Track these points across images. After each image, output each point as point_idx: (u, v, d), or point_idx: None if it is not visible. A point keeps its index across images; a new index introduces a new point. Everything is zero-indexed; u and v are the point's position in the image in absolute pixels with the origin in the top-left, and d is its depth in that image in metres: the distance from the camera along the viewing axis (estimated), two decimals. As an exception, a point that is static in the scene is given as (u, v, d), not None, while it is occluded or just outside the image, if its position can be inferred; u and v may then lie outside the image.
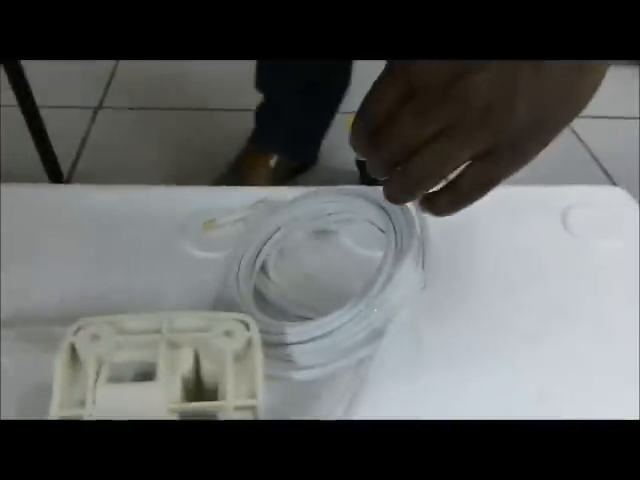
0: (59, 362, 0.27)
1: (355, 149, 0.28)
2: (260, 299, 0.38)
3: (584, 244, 0.45)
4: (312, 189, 0.42)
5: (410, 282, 0.34)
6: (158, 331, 0.29)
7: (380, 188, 0.29)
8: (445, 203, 0.28)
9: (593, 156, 1.30)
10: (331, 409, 0.32)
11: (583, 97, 0.26)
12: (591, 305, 0.40)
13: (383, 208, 0.38)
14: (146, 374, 0.27)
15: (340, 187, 0.41)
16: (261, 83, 0.99)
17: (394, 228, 0.37)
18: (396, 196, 0.28)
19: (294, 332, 0.33)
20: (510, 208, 0.47)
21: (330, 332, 0.33)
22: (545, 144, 0.27)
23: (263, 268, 0.39)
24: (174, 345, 0.29)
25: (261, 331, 0.30)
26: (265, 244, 0.39)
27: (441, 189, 0.28)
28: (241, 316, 0.30)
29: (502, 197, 0.48)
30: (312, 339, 0.33)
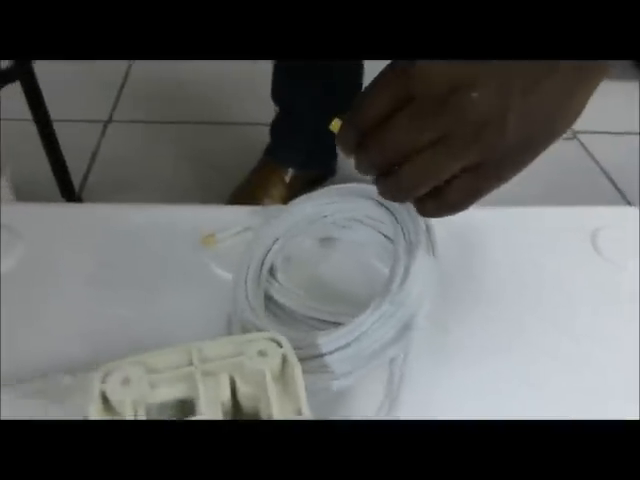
0: (93, 412, 0.26)
1: (342, 149, 0.29)
2: (272, 307, 0.38)
3: (613, 265, 0.44)
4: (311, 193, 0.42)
5: (427, 272, 0.35)
6: (190, 363, 0.28)
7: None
8: (431, 208, 0.29)
9: (602, 169, 1.29)
10: (374, 411, 0.32)
11: (570, 117, 0.27)
12: (620, 326, 0.40)
13: (383, 205, 0.39)
14: (186, 409, 0.27)
15: (338, 187, 0.41)
16: (277, 93, 1.00)
17: (398, 222, 0.37)
18: (387, 197, 0.29)
19: (325, 342, 0.33)
20: (539, 228, 0.47)
21: (360, 336, 0.33)
22: (529, 162, 0.27)
23: (272, 275, 0.39)
24: (209, 375, 0.28)
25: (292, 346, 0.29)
26: (267, 254, 0.39)
27: (428, 194, 0.28)
28: (271, 334, 0.30)
29: (531, 217, 0.49)
30: (344, 346, 0.33)
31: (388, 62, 0.27)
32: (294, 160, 1.00)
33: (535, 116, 0.26)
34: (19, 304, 0.39)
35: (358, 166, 0.29)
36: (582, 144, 1.37)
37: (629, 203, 1.21)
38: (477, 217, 0.49)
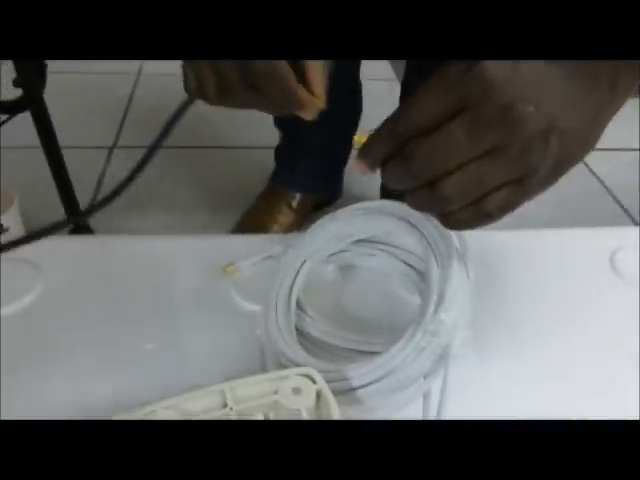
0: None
1: (370, 159, 0.28)
2: (302, 339, 0.37)
3: (633, 287, 0.44)
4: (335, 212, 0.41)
5: (461, 297, 0.34)
6: (224, 405, 0.27)
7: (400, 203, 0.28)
8: (465, 221, 0.28)
9: (605, 186, 1.30)
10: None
11: (598, 136, 0.28)
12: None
13: (412, 223, 0.37)
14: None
15: (363, 204, 0.40)
16: (279, 119, 1.00)
17: (428, 242, 0.36)
18: (421, 209, 0.29)
19: (358, 375, 0.32)
20: (558, 250, 0.48)
21: (394, 368, 0.32)
22: (561, 176, 0.28)
23: (299, 307, 0.39)
24: (244, 416, 0.27)
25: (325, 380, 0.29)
26: (295, 280, 0.39)
27: (464, 206, 0.28)
28: (304, 370, 0.30)
29: (550, 239, 0.49)
30: (378, 379, 0.32)
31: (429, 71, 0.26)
32: (300, 185, 1.00)
33: (572, 135, 0.26)
34: (38, 341, 0.38)
35: (391, 178, 0.27)
36: (584, 162, 1.38)
37: (630, 216, 1.21)
38: (497, 239, 0.49)
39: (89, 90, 1.49)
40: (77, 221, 0.35)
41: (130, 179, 0.33)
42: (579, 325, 0.41)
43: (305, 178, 0.99)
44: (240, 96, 0.30)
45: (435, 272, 0.34)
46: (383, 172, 0.28)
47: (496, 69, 0.25)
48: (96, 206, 0.34)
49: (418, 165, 0.26)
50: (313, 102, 0.30)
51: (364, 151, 0.28)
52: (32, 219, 0.98)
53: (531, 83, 0.25)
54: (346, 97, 0.95)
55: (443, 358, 0.33)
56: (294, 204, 1.00)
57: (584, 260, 0.47)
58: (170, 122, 0.32)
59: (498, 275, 0.44)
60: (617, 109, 0.28)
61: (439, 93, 0.25)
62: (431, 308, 0.32)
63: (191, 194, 1.14)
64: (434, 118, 0.25)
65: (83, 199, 1.11)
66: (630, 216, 1.22)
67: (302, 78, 0.30)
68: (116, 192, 0.33)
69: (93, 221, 1.07)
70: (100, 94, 1.47)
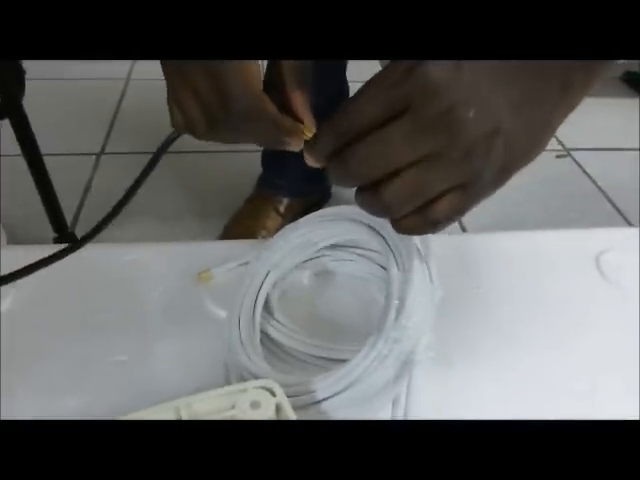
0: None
1: (315, 156, 0.27)
2: (269, 344, 0.36)
3: (618, 289, 0.44)
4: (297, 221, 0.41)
5: (424, 302, 0.34)
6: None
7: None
8: (411, 226, 0.27)
9: (597, 186, 1.30)
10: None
11: (547, 139, 0.27)
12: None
13: (373, 228, 0.37)
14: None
15: (323, 211, 0.40)
16: None
17: (389, 247, 0.36)
18: (369, 212, 0.28)
19: (321, 387, 0.31)
20: (543, 252, 0.47)
21: (358, 379, 0.31)
22: (508, 179, 0.27)
23: (268, 312, 0.38)
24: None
25: (286, 393, 0.28)
26: (260, 290, 0.38)
27: (411, 213, 0.27)
28: (263, 382, 0.29)
29: (534, 241, 0.48)
30: (341, 391, 0.31)
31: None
32: (287, 188, 1.00)
33: (518, 138, 0.26)
34: (12, 352, 0.37)
35: (334, 177, 0.27)
36: (575, 161, 1.38)
37: (622, 216, 1.21)
38: (479, 242, 0.48)
39: (77, 96, 1.48)
40: (75, 247, 0.34)
41: (114, 213, 0.33)
42: (564, 328, 0.40)
43: (292, 182, 0.98)
44: (227, 133, 0.30)
45: (395, 276, 0.33)
46: (326, 170, 0.27)
47: (438, 71, 0.24)
48: (90, 234, 0.33)
49: (356, 167, 0.25)
50: (300, 132, 0.30)
51: (309, 146, 0.27)
52: (13, 228, 0.97)
53: (474, 85, 0.24)
54: (333, 100, 0.95)
55: (407, 364, 0.32)
56: (282, 208, 0.99)
57: (569, 262, 0.46)
58: (156, 155, 0.32)
59: (480, 278, 0.44)
60: (571, 109, 0.27)
61: (379, 93, 0.24)
62: (392, 314, 0.32)
63: (179, 200, 1.13)
64: (374, 119, 0.25)
65: (71, 206, 1.11)
66: (623, 217, 1.21)
67: (286, 108, 0.30)
68: (104, 222, 0.33)
69: (79, 231, 1.06)
70: (88, 100, 1.46)
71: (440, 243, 0.38)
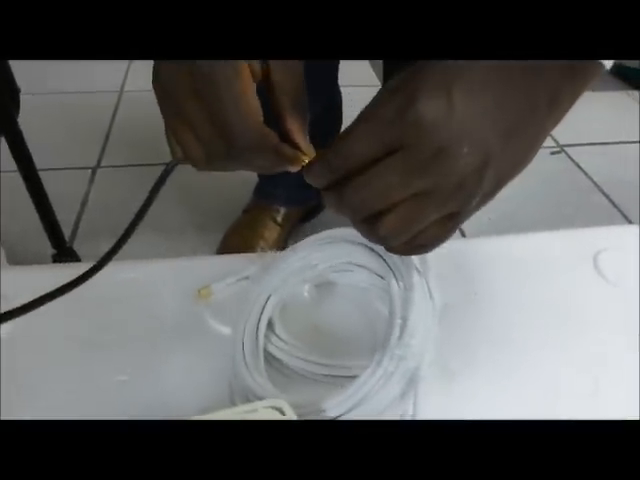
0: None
1: (313, 183, 0.28)
2: (274, 362, 0.36)
3: (617, 288, 0.44)
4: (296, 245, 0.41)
5: (425, 318, 0.34)
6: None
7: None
8: (404, 250, 0.29)
9: (593, 181, 1.30)
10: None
11: (537, 149, 0.28)
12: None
13: (372, 249, 0.38)
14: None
15: (321, 235, 0.40)
16: None
17: (389, 266, 0.36)
18: (363, 236, 0.29)
19: (330, 406, 0.32)
20: (540, 255, 0.47)
21: (365, 397, 0.32)
22: (493, 197, 0.28)
23: (271, 330, 0.38)
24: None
25: (295, 413, 0.28)
26: (262, 312, 0.38)
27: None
28: (272, 402, 0.29)
29: (531, 244, 0.48)
30: (349, 409, 0.32)
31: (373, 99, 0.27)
32: (283, 198, 1.00)
33: (507, 163, 0.27)
34: (14, 372, 0.37)
35: (329, 205, 0.28)
36: (570, 157, 1.38)
37: (620, 212, 1.21)
38: (476, 247, 0.48)
39: (71, 110, 1.48)
40: (80, 281, 0.34)
41: (120, 243, 0.33)
42: (562, 329, 0.41)
43: (288, 191, 0.98)
44: (227, 163, 0.30)
45: (397, 295, 0.34)
46: (323, 198, 0.28)
47: (430, 110, 0.24)
48: (97, 266, 0.34)
49: (350, 204, 0.26)
50: (299, 158, 0.30)
51: (307, 173, 0.28)
52: (12, 245, 0.97)
53: (465, 121, 0.25)
54: (326, 108, 0.95)
55: (413, 381, 0.32)
56: (279, 218, 0.99)
57: (566, 263, 0.46)
58: (156, 185, 0.33)
59: (477, 283, 0.44)
60: (557, 123, 0.28)
61: (372, 133, 0.25)
62: (396, 332, 0.32)
63: (176, 212, 1.13)
64: (367, 157, 0.25)
65: (68, 221, 1.11)
66: (619, 210, 1.21)
67: (285, 137, 0.30)
68: (106, 258, 0.33)
69: (78, 245, 1.06)
70: (82, 113, 1.46)
71: (437, 249, 0.39)
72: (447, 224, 0.27)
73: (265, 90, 0.30)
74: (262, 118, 0.29)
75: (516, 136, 0.26)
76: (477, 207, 0.28)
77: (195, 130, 0.29)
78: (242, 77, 0.28)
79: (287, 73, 0.30)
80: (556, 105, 0.27)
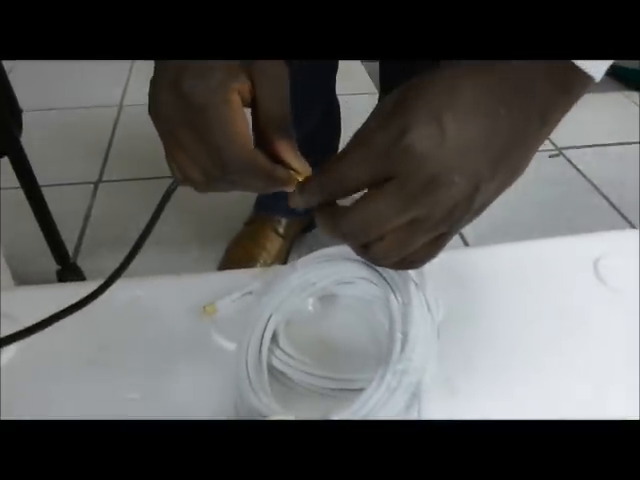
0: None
1: (306, 203, 0.28)
2: (279, 376, 0.37)
3: (618, 294, 0.44)
4: (294, 262, 0.41)
5: (425, 332, 0.34)
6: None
7: None
8: (392, 266, 0.30)
9: (592, 183, 1.30)
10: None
11: (526, 166, 0.28)
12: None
13: (369, 265, 0.38)
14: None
15: (319, 253, 0.41)
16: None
17: (387, 282, 0.37)
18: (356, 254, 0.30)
19: None
20: (540, 262, 0.47)
21: (369, 413, 0.32)
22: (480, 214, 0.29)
23: (275, 344, 0.38)
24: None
25: None
26: (265, 332, 0.38)
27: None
28: (281, 418, 0.29)
29: (531, 251, 0.48)
30: None
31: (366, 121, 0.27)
32: (284, 209, 1.00)
33: (498, 186, 0.27)
34: (22, 391, 0.38)
35: (321, 229, 0.28)
36: (568, 159, 1.39)
37: (620, 214, 1.22)
38: (476, 256, 0.49)
39: (71, 125, 1.49)
40: (85, 302, 0.35)
41: (122, 268, 0.34)
42: (563, 336, 0.41)
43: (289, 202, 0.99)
44: (225, 186, 0.31)
45: (396, 310, 0.35)
46: (315, 219, 0.29)
47: (421, 140, 0.25)
48: (104, 286, 0.35)
49: (342, 234, 0.27)
50: (292, 179, 0.30)
51: (300, 193, 0.29)
52: (17, 262, 0.97)
53: (457, 149, 0.25)
54: (324, 117, 0.96)
55: (416, 395, 0.33)
56: (280, 229, 0.99)
57: (567, 269, 0.46)
58: (160, 205, 0.33)
59: (478, 291, 0.44)
60: (547, 137, 0.28)
61: (364, 162, 0.26)
62: (397, 347, 0.33)
63: (179, 226, 1.14)
64: (360, 185, 0.26)
65: (71, 236, 1.11)
66: (620, 213, 1.22)
67: (277, 159, 0.30)
68: (112, 278, 0.34)
69: (81, 261, 1.07)
70: (82, 129, 1.47)
71: (437, 259, 0.39)
72: (436, 243, 0.28)
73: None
74: (252, 143, 0.29)
75: (507, 157, 0.26)
76: (466, 224, 0.28)
77: (190, 156, 0.29)
78: (230, 104, 0.28)
79: (272, 97, 0.30)
80: (548, 120, 0.27)
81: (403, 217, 0.26)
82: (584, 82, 0.27)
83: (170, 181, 0.34)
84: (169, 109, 0.29)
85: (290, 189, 0.30)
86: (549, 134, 0.28)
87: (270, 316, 0.39)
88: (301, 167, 0.31)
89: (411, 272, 0.36)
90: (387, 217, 0.26)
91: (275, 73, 0.30)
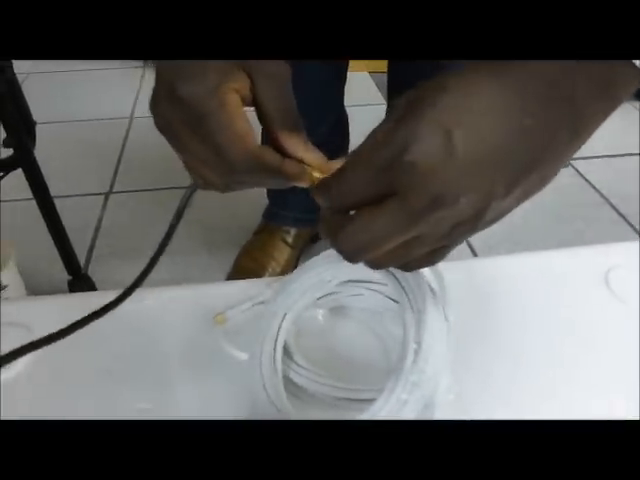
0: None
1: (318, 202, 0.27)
2: (292, 388, 0.37)
3: (630, 306, 0.44)
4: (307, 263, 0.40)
5: (440, 342, 0.33)
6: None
7: None
8: (389, 267, 0.29)
9: (603, 196, 1.30)
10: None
11: (547, 183, 0.26)
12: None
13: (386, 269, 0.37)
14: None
15: (332, 251, 0.40)
16: None
17: (402, 287, 0.35)
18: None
19: None
20: (551, 274, 0.47)
21: None
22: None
23: (288, 356, 0.38)
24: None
25: None
26: (279, 333, 0.38)
27: None
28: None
29: (542, 262, 0.48)
30: None
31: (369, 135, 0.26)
32: (293, 218, 1.00)
33: (512, 204, 0.25)
34: (34, 403, 0.38)
35: (324, 238, 0.27)
36: (577, 170, 1.39)
37: (630, 225, 1.21)
38: (487, 266, 0.49)
39: (82, 137, 1.51)
40: (103, 312, 0.35)
41: (144, 275, 0.34)
42: (575, 348, 0.41)
43: (298, 212, 0.99)
44: (240, 185, 0.31)
45: (410, 319, 0.33)
46: (319, 230, 0.28)
47: (427, 156, 0.22)
48: (123, 296, 0.35)
49: (342, 249, 0.26)
50: (304, 173, 0.29)
51: (314, 192, 0.27)
52: (30, 272, 0.98)
53: (467, 166, 0.23)
54: (332, 131, 0.96)
55: (428, 408, 0.32)
56: (289, 239, 0.99)
57: (578, 281, 0.46)
58: (181, 208, 0.33)
59: (487, 305, 0.44)
60: (576, 151, 0.25)
61: (365, 177, 0.24)
62: (410, 358, 0.31)
63: (188, 236, 1.14)
64: (361, 200, 0.25)
65: (82, 247, 1.12)
66: (630, 225, 1.21)
67: (286, 154, 0.30)
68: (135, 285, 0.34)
69: (92, 271, 1.08)
70: (94, 141, 1.49)
71: (448, 269, 0.39)
72: (437, 253, 0.27)
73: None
74: (255, 142, 0.28)
75: (528, 174, 0.24)
76: (471, 235, 0.26)
77: (199, 159, 0.29)
78: (227, 106, 0.28)
79: (273, 93, 0.29)
80: (581, 131, 0.24)
81: (402, 236, 0.24)
82: (629, 85, 0.24)
83: (182, 190, 0.34)
84: (169, 116, 0.28)
85: (304, 184, 0.30)
86: (581, 146, 0.25)
87: (284, 316, 0.38)
88: (314, 159, 0.29)
89: (429, 281, 0.35)
90: (385, 236, 0.24)
91: (273, 69, 0.29)
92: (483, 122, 0.23)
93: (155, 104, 0.29)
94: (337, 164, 0.28)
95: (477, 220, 0.24)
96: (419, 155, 0.23)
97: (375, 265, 0.27)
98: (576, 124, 0.24)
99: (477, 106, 0.23)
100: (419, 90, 0.24)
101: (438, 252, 0.27)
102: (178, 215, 0.33)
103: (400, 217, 0.24)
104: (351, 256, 0.26)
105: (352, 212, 0.26)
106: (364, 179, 0.24)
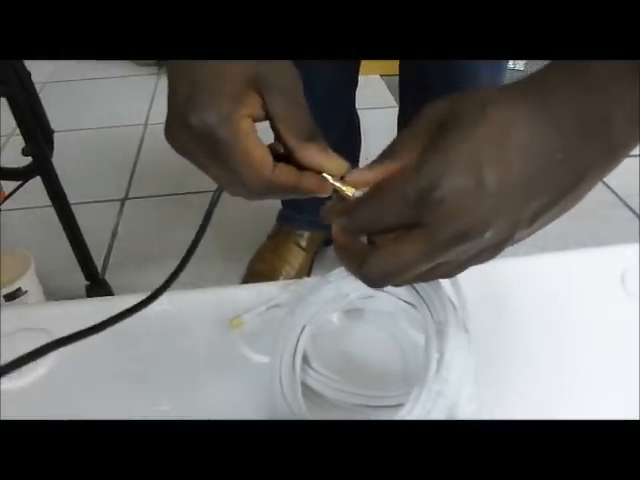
0: None
1: (330, 225, 0.28)
2: (311, 395, 0.37)
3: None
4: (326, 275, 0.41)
5: (462, 352, 0.33)
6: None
7: None
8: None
9: (618, 196, 1.28)
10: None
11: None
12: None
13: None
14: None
15: None
16: None
17: (424, 300, 0.36)
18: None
19: None
20: (568, 272, 0.47)
21: None
22: None
23: (306, 363, 0.38)
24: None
25: None
26: (297, 344, 0.38)
27: None
28: None
29: (558, 263, 0.48)
30: None
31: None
32: (307, 222, 1.00)
33: (536, 230, 0.25)
34: (55, 404, 0.39)
35: (341, 262, 0.27)
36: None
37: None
38: (503, 268, 0.49)
39: (99, 145, 1.53)
40: (127, 314, 0.36)
41: (179, 269, 0.35)
42: (592, 350, 0.40)
43: (311, 215, 1.00)
44: (267, 199, 0.31)
45: (432, 328, 0.33)
46: (338, 257, 0.28)
47: (456, 194, 0.22)
48: (151, 297, 0.37)
49: (365, 279, 0.26)
50: (321, 187, 0.29)
51: (325, 214, 0.28)
52: (48, 278, 1.00)
53: (496, 203, 0.23)
54: (344, 131, 0.96)
55: (452, 417, 0.32)
56: (303, 243, 1.00)
57: (594, 281, 0.46)
58: (207, 214, 0.36)
59: (503, 306, 0.44)
60: (608, 173, 0.25)
61: (395, 209, 0.24)
62: (433, 367, 0.32)
63: (203, 239, 1.16)
64: (387, 229, 0.25)
65: (99, 252, 1.14)
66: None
67: (304, 167, 0.30)
68: (167, 283, 0.36)
69: (109, 276, 1.09)
70: (109, 148, 1.51)
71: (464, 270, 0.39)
72: (456, 271, 0.27)
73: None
74: (270, 165, 0.28)
75: (555, 204, 0.24)
76: (493, 258, 0.27)
77: (217, 179, 0.30)
78: (240, 133, 0.27)
79: (286, 108, 0.29)
80: (612, 163, 0.24)
81: (426, 266, 0.25)
82: None
83: (198, 195, 0.35)
84: (184, 143, 0.28)
85: (325, 194, 0.29)
86: (614, 169, 0.24)
87: (303, 328, 0.39)
88: (335, 167, 0.29)
89: (448, 291, 0.36)
90: (411, 265, 0.24)
91: (284, 83, 0.29)
92: (516, 158, 0.22)
93: (169, 133, 0.29)
94: (358, 173, 0.28)
95: (500, 247, 0.25)
96: (449, 193, 0.23)
97: (396, 286, 0.28)
98: (609, 156, 0.24)
99: (515, 142, 0.22)
100: (453, 110, 0.24)
101: (457, 269, 0.27)
102: (207, 216, 0.34)
103: (426, 248, 0.24)
104: (376, 283, 0.26)
105: (364, 237, 0.27)
106: (392, 210, 0.24)
